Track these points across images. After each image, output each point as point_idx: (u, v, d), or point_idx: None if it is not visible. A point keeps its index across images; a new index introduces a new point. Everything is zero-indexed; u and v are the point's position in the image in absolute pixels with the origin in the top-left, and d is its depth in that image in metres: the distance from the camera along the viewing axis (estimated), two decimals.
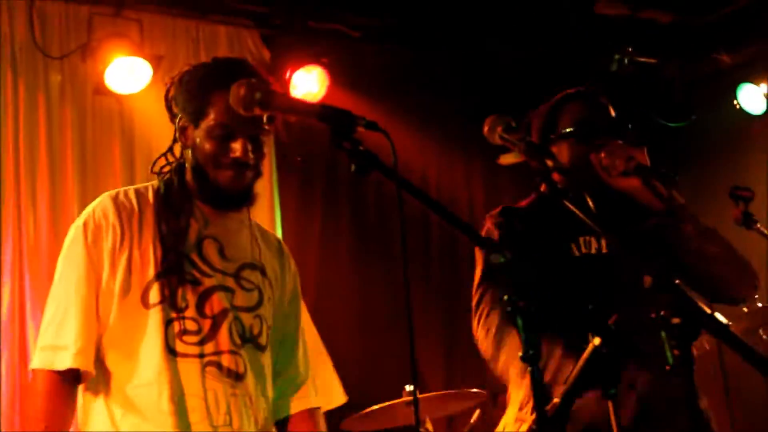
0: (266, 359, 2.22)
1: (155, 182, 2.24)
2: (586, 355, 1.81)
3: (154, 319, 2.08)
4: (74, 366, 2.06)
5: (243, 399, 2.13)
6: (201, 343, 2.10)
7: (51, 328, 2.10)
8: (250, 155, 2.13)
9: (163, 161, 2.25)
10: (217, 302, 2.13)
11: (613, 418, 1.84)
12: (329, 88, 5.00)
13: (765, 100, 5.66)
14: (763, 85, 5.63)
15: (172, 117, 2.23)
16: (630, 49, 5.64)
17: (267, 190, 5.04)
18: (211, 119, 2.12)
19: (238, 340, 2.14)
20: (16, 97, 4.56)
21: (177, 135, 2.20)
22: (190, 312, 2.10)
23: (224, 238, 2.21)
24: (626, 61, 5.69)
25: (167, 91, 2.24)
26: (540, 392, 1.51)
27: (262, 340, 2.21)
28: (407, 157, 5.42)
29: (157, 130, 4.73)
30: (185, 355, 2.08)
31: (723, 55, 5.79)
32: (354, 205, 5.48)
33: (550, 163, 1.97)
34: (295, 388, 2.36)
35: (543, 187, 1.95)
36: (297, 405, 2.35)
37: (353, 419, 3.93)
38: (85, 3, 4.71)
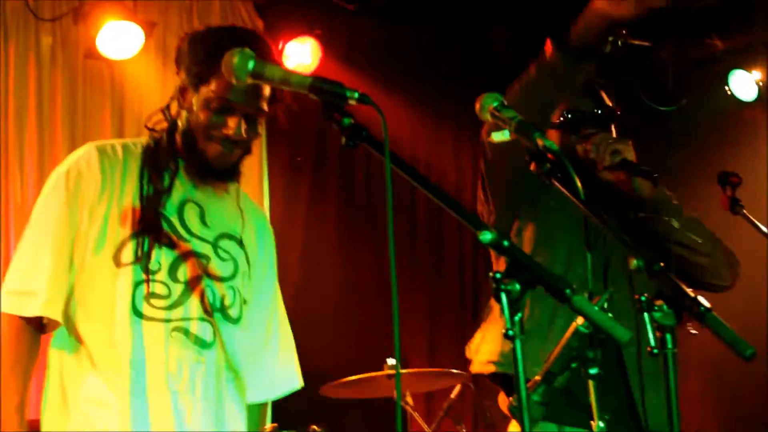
0: (238, 332, 2.18)
1: (145, 138, 2.21)
2: (568, 334, 1.83)
3: (123, 278, 2.05)
4: (43, 314, 2.04)
5: (209, 367, 2.10)
6: (169, 308, 2.07)
7: (21, 271, 2.07)
8: (244, 134, 2.11)
9: (158, 117, 2.21)
10: (191, 268, 2.10)
11: (593, 399, 1.86)
12: (322, 60, 4.98)
13: (756, 87, 5.67)
14: (754, 72, 5.64)
15: (178, 73, 2.20)
16: (624, 32, 5.64)
17: (256, 168, 5.04)
18: (211, 89, 2.09)
19: (208, 308, 2.11)
20: (6, 58, 4.53)
21: (176, 93, 2.17)
22: (162, 275, 2.07)
23: (207, 204, 2.18)
24: (620, 43, 5.69)
25: (178, 46, 2.20)
26: (521, 372, 1.52)
27: (234, 312, 2.17)
28: (397, 133, 5.41)
29: (148, 96, 4.72)
30: (151, 319, 2.06)
31: (716, 41, 5.79)
32: (343, 182, 5.48)
33: (540, 142, 1.97)
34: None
35: (533, 167, 1.95)
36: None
37: (333, 386, 3.96)
38: None
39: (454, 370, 4.28)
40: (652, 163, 7.17)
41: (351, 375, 3.96)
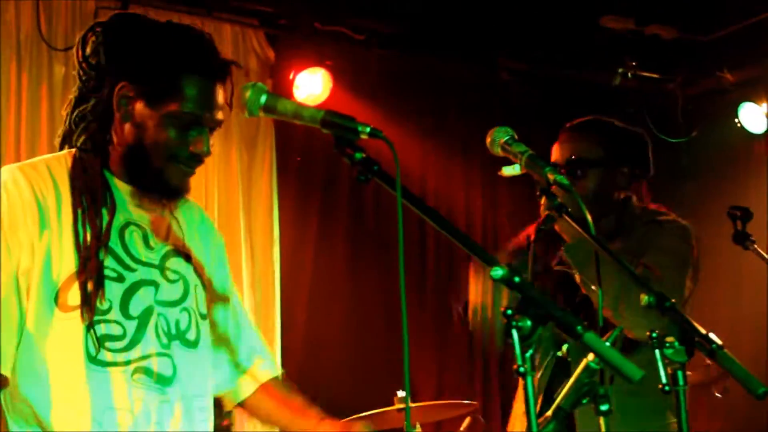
0: (199, 356, 2.04)
1: (65, 154, 1.98)
2: (579, 370, 1.82)
3: (72, 325, 1.85)
4: None
5: (174, 404, 1.96)
6: (126, 348, 1.90)
7: None
8: (210, 150, 1.97)
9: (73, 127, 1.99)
10: (142, 299, 1.93)
11: None
12: (332, 90, 5.00)
13: (766, 120, 5.67)
14: (764, 105, 5.65)
15: (101, 72, 1.94)
16: (633, 64, 5.66)
17: (267, 192, 5.06)
18: (174, 105, 1.92)
19: (164, 339, 1.96)
20: (19, 87, 4.56)
21: (115, 102, 1.91)
22: (113, 314, 1.89)
23: (147, 223, 2.00)
24: (629, 75, 5.71)
25: (94, 36, 1.95)
26: (532, 407, 1.51)
27: (191, 334, 2.02)
28: (406, 164, 5.42)
29: None
30: (110, 364, 1.88)
31: (726, 73, 5.80)
32: (352, 210, 5.48)
33: (551, 176, 1.98)
34: (248, 362, 2.23)
35: (542, 201, 1.95)
36: (258, 377, 2.24)
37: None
38: None
39: (464, 401, 4.26)
40: (663, 196, 7.16)
41: (360, 407, 3.94)
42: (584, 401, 1.88)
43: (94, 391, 1.86)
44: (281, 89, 4.98)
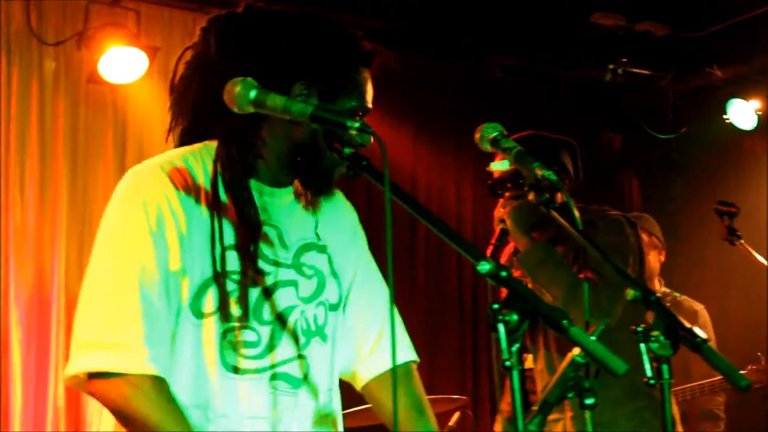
0: (331, 348, 1.95)
1: (200, 149, 1.87)
2: (564, 364, 1.83)
3: (207, 331, 1.77)
4: (150, 372, 1.70)
5: (307, 402, 1.89)
6: (262, 355, 1.81)
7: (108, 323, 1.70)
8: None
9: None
10: (278, 302, 1.84)
11: (589, 429, 1.86)
12: None
13: (755, 116, 5.70)
14: (753, 101, 5.67)
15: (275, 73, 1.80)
16: (624, 60, 5.68)
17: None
18: (349, 100, 1.88)
19: (303, 339, 1.87)
20: (9, 82, 4.55)
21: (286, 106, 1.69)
22: (248, 319, 1.79)
23: (281, 220, 1.90)
24: (620, 71, 5.73)
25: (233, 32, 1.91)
26: (518, 401, 1.52)
27: (329, 329, 1.94)
28: (398, 161, 5.44)
29: (150, 121, 4.75)
30: (246, 371, 1.80)
31: (716, 70, 5.83)
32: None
33: (539, 172, 1.99)
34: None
35: (531, 197, 1.96)
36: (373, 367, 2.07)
37: None
38: None
39: (453, 396, 4.28)
40: (653, 191, 7.16)
41: (350, 404, 3.94)
42: (570, 395, 1.90)
43: (229, 401, 1.79)
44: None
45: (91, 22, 4.64)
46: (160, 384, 1.70)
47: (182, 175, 1.80)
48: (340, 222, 2.06)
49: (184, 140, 1.91)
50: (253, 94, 1.71)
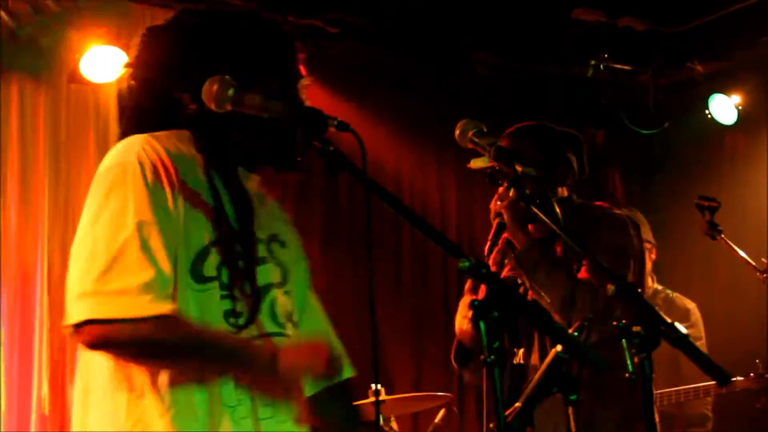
0: (302, 337, 1.99)
1: (181, 132, 1.89)
2: (547, 361, 1.84)
3: (208, 296, 1.79)
4: (170, 312, 1.70)
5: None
6: (245, 326, 1.82)
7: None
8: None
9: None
10: (257, 278, 1.86)
11: (573, 424, 1.87)
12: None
13: (736, 111, 5.73)
14: (734, 96, 5.70)
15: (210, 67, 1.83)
16: (605, 56, 5.69)
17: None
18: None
19: (281, 319, 1.90)
20: None
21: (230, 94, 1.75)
22: (236, 290, 1.81)
23: (255, 203, 1.95)
24: (602, 67, 5.74)
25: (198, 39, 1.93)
26: (500, 398, 1.53)
27: (296, 316, 1.98)
28: (380, 156, 5.43)
29: None
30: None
31: (696, 65, 5.85)
32: (327, 203, 5.48)
33: (519, 168, 1.99)
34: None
35: (511, 193, 1.96)
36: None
37: None
38: None
39: (439, 393, 4.29)
40: (635, 186, 7.17)
41: None
42: (554, 391, 1.90)
43: None
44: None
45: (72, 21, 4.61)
46: (164, 321, 1.69)
47: (173, 143, 1.83)
48: (290, 232, 2.09)
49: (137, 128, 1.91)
50: (231, 92, 1.73)
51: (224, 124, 1.85)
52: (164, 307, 1.69)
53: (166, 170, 1.77)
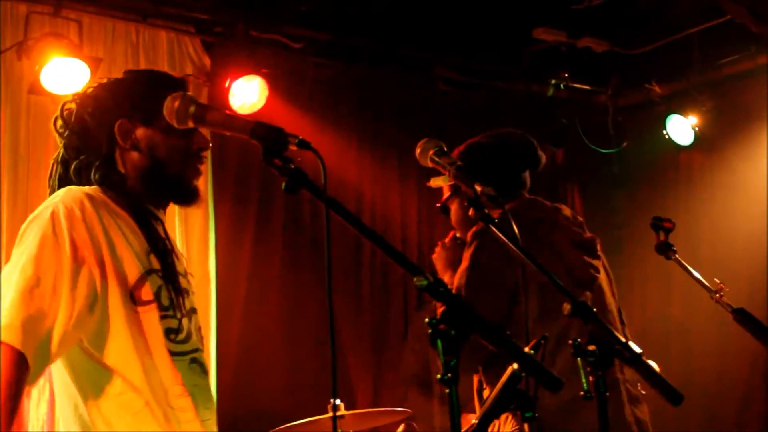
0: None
1: (93, 188, 2.12)
2: (504, 378, 1.86)
3: (149, 318, 2.00)
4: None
5: (210, 396, 2.15)
6: (184, 341, 2.06)
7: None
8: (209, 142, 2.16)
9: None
10: (186, 301, 2.12)
11: None
12: (268, 98, 4.99)
13: (692, 132, 5.82)
14: (691, 117, 5.80)
15: (102, 122, 2.13)
16: (566, 75, 5.77)
17: (202, 206, 5.01)
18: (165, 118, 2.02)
19: (201, 336, 2.17)
20: None
21: (118, 138, 2.11)
22: (172, 311, 2.05)
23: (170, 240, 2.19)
24: (562, 86, 5.82)
25: (89, 97, 2.17)
26: (456, 415, 1.54)
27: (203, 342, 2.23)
28: (342, 173, 5.44)
29: None
30: (176, 354, 2.03)
31: (654, 86, 5.95)
32: (289, 218, 5.47)
33: (479, 188, 2.01)
34: None
35: (471, 212, 1.98)
36: None
37: (277, 430, 3.93)
38: (23, 1, 4.64)
39: (398, 408, 4.29)
40: (594, 204, 7.26)
41: (297, 417, 3.94)
42: (511, 407, 1.92)
43: (172, 373, 2.02)
44: (217, 96, 4.96)
45: (32, 32, 4.58)
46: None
47: (96, 196, 2.06)
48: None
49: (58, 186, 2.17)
50: (192, 109, 1.74)
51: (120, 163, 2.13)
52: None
53: (91, 218, 1.99)
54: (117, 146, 2.13)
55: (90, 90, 2.20)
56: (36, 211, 2.06)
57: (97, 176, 2.11)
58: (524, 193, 2.97)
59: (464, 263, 2.76)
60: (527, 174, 3.01)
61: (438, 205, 3.09)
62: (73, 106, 2.19)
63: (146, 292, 2.01)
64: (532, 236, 2.86)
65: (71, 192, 2.04)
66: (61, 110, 2.19)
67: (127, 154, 2.13)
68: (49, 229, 1.97)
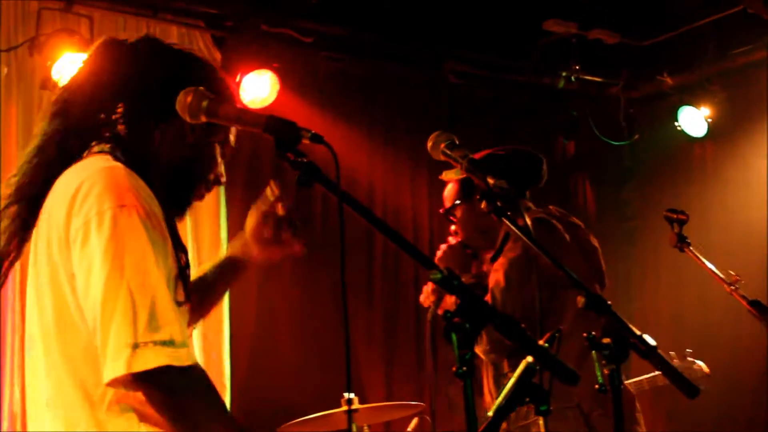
0: None
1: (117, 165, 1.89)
2: (518, 371, 1.85)
3: (185, 318, 1.90)
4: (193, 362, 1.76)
5: None
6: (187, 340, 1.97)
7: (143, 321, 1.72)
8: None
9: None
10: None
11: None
12: (279, 92, 4.99)
13: (705, 123, 5.79)
14: (703, 108, 5.77)
15: (146, 105, 1.92)
16: (577, 67, 5.75)
17: (214, 195, 5.02)
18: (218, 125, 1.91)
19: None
20: None
21: (153, 129, 1.90)
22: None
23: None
24: (573, 78, 5.79)
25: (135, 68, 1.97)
26: (471, 408, 1.54)
27: None
28: (354, 166, 5.44)
29: None
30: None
31: (666, 77, 5.92)
32: (300, 212, 5.46)
33: (491, 181, 2.00)
34: None
35: (483, 205, 1.97)
36: None
37: (290, 425, 3.94)
38: None
39: (411, 402, 4.29)
40: (606, 197, 7.23)
41: (310, 410, 3.95)
42: (525, 401, 1.92)
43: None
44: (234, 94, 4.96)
45: (44, 28, 4.59)
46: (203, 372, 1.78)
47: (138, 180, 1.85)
48: None
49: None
50: (205, 103, 1.73)
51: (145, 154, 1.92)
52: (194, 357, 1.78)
53: (156, 213, 1.81)
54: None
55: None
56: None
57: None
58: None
59: (511, 254, 2.84)
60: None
61: (441, 211, 3.13)
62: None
63: (180, 292, 1.89)
64: (573, 239, 2.93)
65: (128, 179, 1.85)
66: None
67: (155, 147, 1.96)
68: None
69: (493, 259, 2.94)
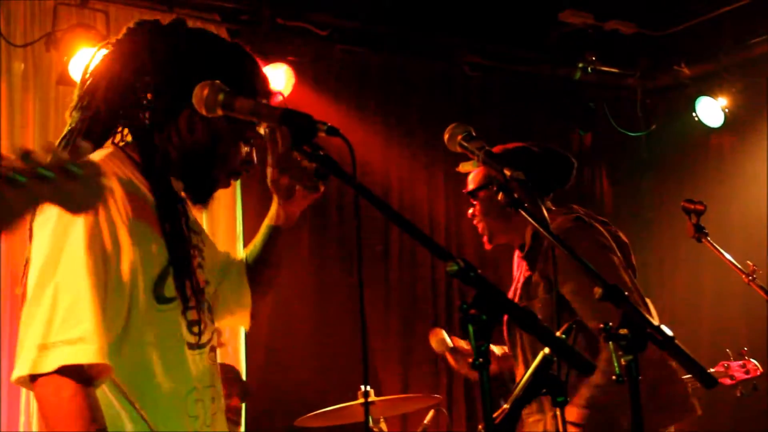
0: None
1: (115, 151, 1.93)
2: (535, 363, 1.85)
3: (171, 315, 1.85)
4: (100, 361, 1.71)
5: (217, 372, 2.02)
6: (203, 332, 1.92)
7: (58, 321, 1.71)
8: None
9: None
10: (199, 281, 1.94)
11: (560, 425, 1.89)
12: (295, 85, 5.00)
13: (722, 113, 5.76)
14: (720, 99, 5.73)
15: (170, 84, 1.90)
16: (593, 58, 5.72)
17: (230, 188, 5.02)
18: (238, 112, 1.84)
19: (212, 315, 2.03)
20: None
21: (178, 116, 1.90)
22: (192, 300, 1.89)
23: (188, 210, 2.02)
24: (589, 69, 5.77)
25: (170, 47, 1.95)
26: (488, 400, 1.54)
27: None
28: (369, 159, 5.44)
29: None
30: (197, 347, 1.91)
31: (683, 67, 5.89)
32: (316, 205, 5.47)
33: (508, 172, 2.00)
34: None
35: (500, 197, 1.97)
36: None
37: (307, 417, 3.96)
38: None
39: (428, 395, 4.30)
40: (623, 188, 7.20)
41: (326, 403, 3.96)
42: (542, 392, 1.92)
43: (197, 374, 1.90)
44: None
45: (60, 24, 4.61)
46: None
47: (120, 167, 1.87)
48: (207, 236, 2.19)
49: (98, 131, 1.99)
50: (221, 96, 1.74)
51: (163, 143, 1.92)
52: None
53: (122, 200, 1.80)
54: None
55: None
56: None
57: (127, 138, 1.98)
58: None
59: (586, 253, 2.76)
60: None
61: (465, 191, 3.07)
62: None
63: (170, 288, 1.86)
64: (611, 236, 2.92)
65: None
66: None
67: (176, 134, 1.96)
68: None
69: (526, 256, 2.89)
